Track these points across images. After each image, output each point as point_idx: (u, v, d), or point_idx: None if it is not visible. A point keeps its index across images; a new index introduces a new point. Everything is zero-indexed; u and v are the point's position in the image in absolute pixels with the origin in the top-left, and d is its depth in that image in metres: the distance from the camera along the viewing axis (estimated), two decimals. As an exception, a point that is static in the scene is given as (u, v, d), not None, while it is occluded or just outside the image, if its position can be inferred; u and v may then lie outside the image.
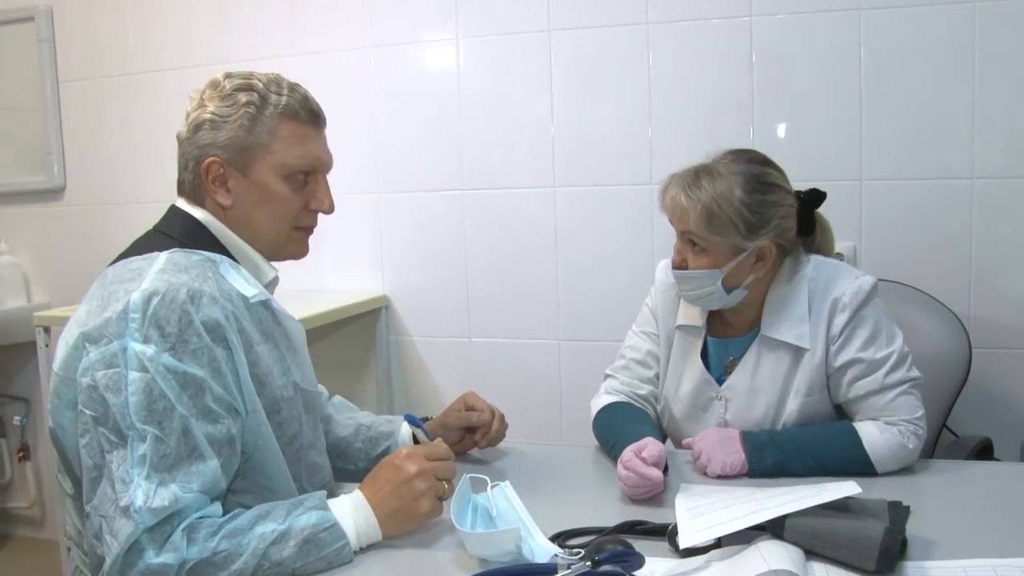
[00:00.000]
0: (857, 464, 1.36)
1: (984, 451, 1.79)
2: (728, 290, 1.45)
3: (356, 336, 2.56)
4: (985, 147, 2.02)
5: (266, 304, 1.23)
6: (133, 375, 1.06)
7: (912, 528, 1.09)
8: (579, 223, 2.36)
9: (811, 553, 1.04)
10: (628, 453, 1.29)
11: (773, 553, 1.00)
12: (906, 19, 2.04)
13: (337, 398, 1.59)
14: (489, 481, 1.24)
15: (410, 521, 1.17)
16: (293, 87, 1.26)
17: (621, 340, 1.70)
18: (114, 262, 1.23)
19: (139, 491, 1.02)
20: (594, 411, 1.58)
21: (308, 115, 1.26)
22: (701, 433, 1.45)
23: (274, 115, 1.23)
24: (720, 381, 1.53)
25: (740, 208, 1.40)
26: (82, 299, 1.21)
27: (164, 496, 1.03)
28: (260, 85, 1.23)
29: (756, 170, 1.44)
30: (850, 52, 2.09)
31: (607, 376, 1.64)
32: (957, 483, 1.37)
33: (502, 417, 1.52)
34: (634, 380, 1.60)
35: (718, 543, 1.08)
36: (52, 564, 2.70)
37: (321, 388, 1.56)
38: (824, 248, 1.56)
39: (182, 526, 1.04)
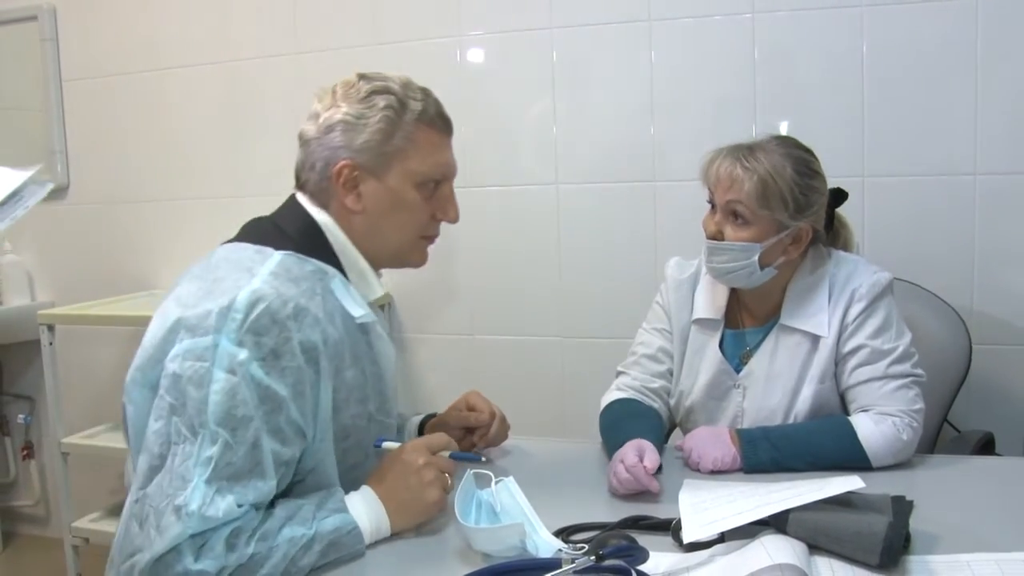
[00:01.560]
0: (852, 458, 1.36)
1: (986, 446, 1.79)
2: (761, 267, 1.46)
3: (359, 334, 2.56)
4: (988, 143, 2.02)
5: (365, 327, 1.21)
6: (220, 374, 1.05)
7: (915, 522, 1.09)
8: (582, 220, 2.36)
9: (814, 547, 1.04)
10: (632, 456, 1.30)
11: (777, 547, 1.00)
12: (908, 15, 2.04)
13: None
14: (493, 476, 1.25)
15: (418, 512, 1.19)
16: (426, 92, 1.25)
17: (624, 336, 1.70)
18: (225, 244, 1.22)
19: (197, 493, 1.01)
20: (602, 406, 1.59)
21: (443, 122, 1.25)
22: (691, 432, 1.46)
23: (412, 121, 1.21)
24: (737, 371, 1.54)
25: (792, 186, 1.43)
26: (183, 275, 1.19)
27: (219, 506, 1.02)
28: (397, 88, 1.21)
29: (803, 155, 1.48)
30: (853, 49, 2.09)
31: (619, 373, 1.64)
32: (960, 478, 1.37)
33: (503, 418, 1.51)
34: (646, 375, 1.60)
35: (721, 538, 1.08)
36: (56, 562, 2.70)
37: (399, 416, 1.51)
38: (848, 246, 1.61)
39: (225, 534, 1.02)
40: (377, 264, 1.27)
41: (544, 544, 1.11)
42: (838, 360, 1.48)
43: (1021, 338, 2.05)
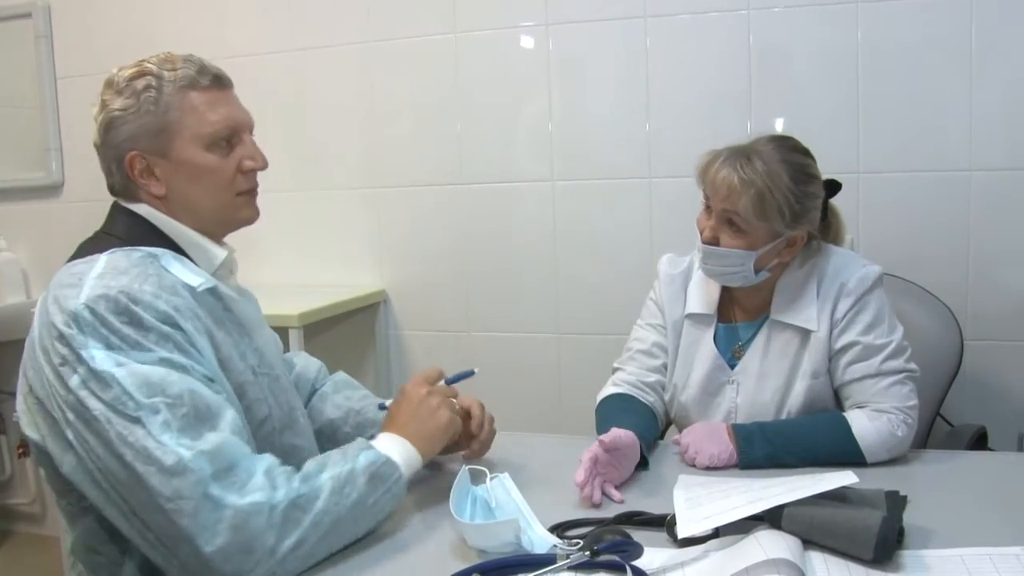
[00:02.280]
0: (847, 454, 1.37)
1: (979, 440, 1.80)
2: (756, 271, 1.46)
3: (355, 330, 2.57)
4: (983, 139, 2.03)
5: (213, 291, 1.22)
6: (112, 368, 1.04)
7: (909, 517, 1.09)
8: (577, 217, 2.37)
9: (809, 542, 1.04)
10: (587, 452, 1.29)
11: (771, 543, 1.01)
12: (903, 11, 2.04)
13: (340, 375, 1.58)
14: (488, 472, 1.26)
15: (437, 436, 1.26)
16: (187, 59, 1.24)
17: (620, 333, 1.70)
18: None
19: (180, 448, 1.01)
20: (598, 402, 1.59)
21: (210, 79, 1.23)
22: (688, 427, 1.46)
23: (174, 90, 1.20)
24: (731, 366, 1.54)
25: (788, 196, 1.41)
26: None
27: (208, 440, 1.03)
28: (152, 67, 1.21)
29: (800, 160, 1.46)
30: (848, 45, 2.09)
31: (615, 369, 1.65)
32: (954, 473, 1.37)
33: (492, 420, 1.45)
34: (641, 370, 1.61)
35: (716, 533, 1.09)
36: (53, 560, 2.70)
37: (315, 362, 1.57)
38: (839, 236, 1.60)
39: (262, 469, 1.05)
40: (210, 234, 1.27)
41: (539, 540, 1.11)
42: (831, 356, 1.48)
43: (1014, 333, 2.06)
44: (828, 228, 1.59)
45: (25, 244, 2.97)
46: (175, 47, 2.65)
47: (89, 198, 2.82)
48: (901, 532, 1.05)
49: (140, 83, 1.20)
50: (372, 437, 1.25)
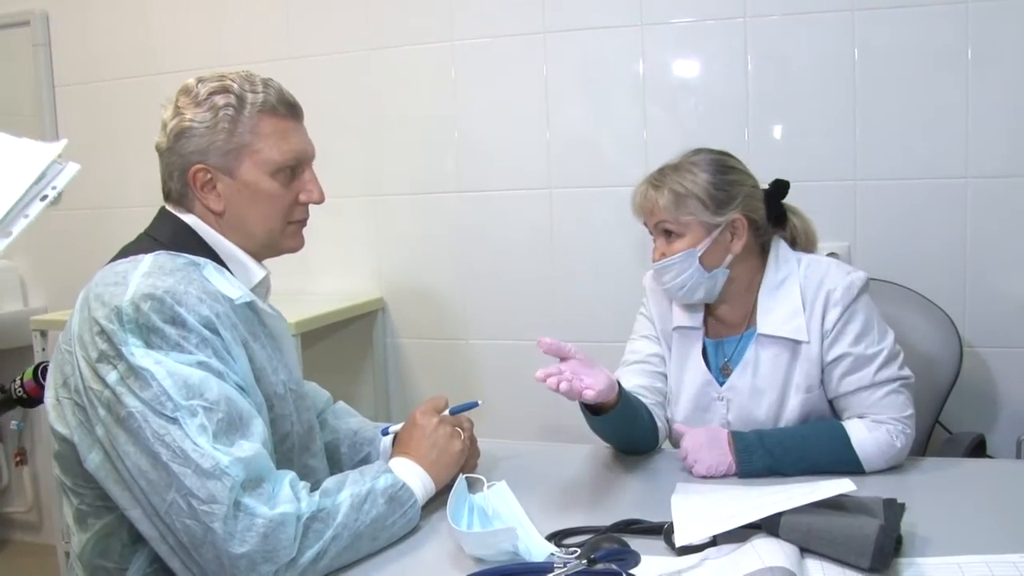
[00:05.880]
0: (845, 463, 1.36)
1: (977, 448, 1.80)
2: (708, 270, 1.47)
3: (353, 338, 2.56)
4: (979, 146, 2.03)
5: (251, 305, 1.23)
6: (153, 368, 1.06)
7: (907, 525, 1.09)
8: (575, 225, 2.37)
9: (806, 550, 1.04)
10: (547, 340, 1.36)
11: (768, 551, 1.01)
12: (900, 19, 2.05)
13: (340, 404, 1.59)
14: (485, 481, 1.26)
15: (450, 464, 1.29)
16: (267, 82, 1.26)
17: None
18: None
19: (217, 452, 1.03)
20: None
21: (287, 108, 1.26)
22: (692, 430, 1.46)
23: (253, 114, 1.22)
24: (720, 382, 1.53)
25: (706, 187, 1.46)
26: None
27: (243, 447, 1.05)
28: (235, 85, 1.22)
29: (716, 157, 1.52)
30: (844, 52, 2.10)
31: None
32: (951, 480, 1.37)
33: (475, 440, 1.45)
34: (639, 377, 1.60)
35: (714, 541, 1.08)
36: (50, 568, 2.69)
37: (324, 392, 1.57)
38: (809, 235, 1.60)
39: (287, 480, 1.08)
40: (253, 254, 1.29)
41: (536, 548, 1.11)
42: (823, 368, 1.47)
43: (1012, 340, 2.06)
44: (795, 231, 1.58)
45: (22, 252, 2.97)
46: (173, 56, 2.69)
47: (86, 206, 2.84)
48: (899, 540, 1.05)
49: (220, 99, 1.21)
50: (367, 457, 1.25)
